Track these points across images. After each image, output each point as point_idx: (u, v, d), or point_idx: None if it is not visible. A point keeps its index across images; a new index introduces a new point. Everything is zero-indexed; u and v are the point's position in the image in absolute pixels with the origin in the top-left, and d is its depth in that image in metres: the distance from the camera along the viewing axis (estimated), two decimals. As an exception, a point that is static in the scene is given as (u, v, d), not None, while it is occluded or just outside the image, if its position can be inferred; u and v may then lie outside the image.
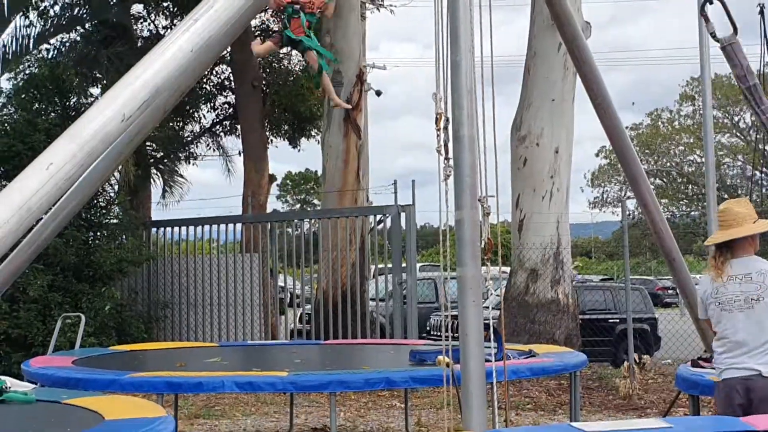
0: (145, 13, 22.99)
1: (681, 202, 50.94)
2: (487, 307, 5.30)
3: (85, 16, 20.26)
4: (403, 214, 15.01)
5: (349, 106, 15.74)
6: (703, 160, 15.03)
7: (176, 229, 17.43)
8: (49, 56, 19.68)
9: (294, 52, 24.68)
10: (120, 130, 2.66)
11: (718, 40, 6.04)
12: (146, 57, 2.84)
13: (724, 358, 5.52)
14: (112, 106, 2.61)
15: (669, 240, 6.85)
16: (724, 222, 5.67)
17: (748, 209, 5.67)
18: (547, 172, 14.88)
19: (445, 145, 4.84)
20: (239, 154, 25.07)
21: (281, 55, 25.06)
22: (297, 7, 8.18)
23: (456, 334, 4.73)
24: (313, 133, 24.53)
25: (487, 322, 4.97)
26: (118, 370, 7.30)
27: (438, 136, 4.88)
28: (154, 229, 17.94)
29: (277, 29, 24.39)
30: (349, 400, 12.09)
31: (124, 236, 16.38)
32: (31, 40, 17.91)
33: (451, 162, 4.78)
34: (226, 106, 24.85)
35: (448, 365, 5.00)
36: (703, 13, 6.12)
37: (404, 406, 10.33)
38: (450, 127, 4.79)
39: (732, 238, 5.57)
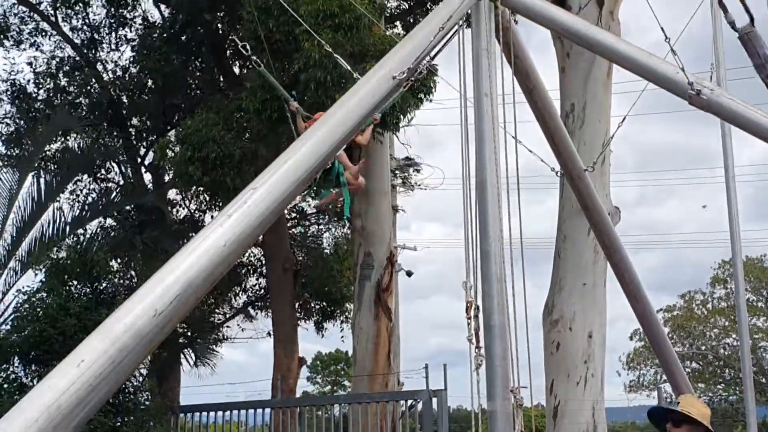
0: (179, 198, 23.57)
1: (718, 386, 49.81)
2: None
3: (121, 201, 20.80)
4: (434, 399, 14.76)
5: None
6: (739, 343, 14.81)
7: (204, 413, 17.20)
8: (83, 240, 20.07)
9: (324, 229, 25.23)
10: (152, 325, 2.69)
11: (736, 30, 6.12)
12: (180, 252, 2.90)
13: None
14: (145, 302, 2.65)
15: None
16: None
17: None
18: (581, 357, 14.64)
19: (476, 334, 4.81)
20: (268, 335, 25.13)
21: (311, 236, 25.46)
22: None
23: None
24: (344, 314, 24.56)
25: None
26: None
27: (469, 324, 4.86)
28: (182, 414, 17.72)
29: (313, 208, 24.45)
30: None
31: (152, 422, 16.17)
32: (68, 226, 18.30)
33: (482, 351, 4.75)
34: (257, 287, 25.08)
35: None
36: (721, 4, 6.26)
37: None
38: (480, 315, 4.78)
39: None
